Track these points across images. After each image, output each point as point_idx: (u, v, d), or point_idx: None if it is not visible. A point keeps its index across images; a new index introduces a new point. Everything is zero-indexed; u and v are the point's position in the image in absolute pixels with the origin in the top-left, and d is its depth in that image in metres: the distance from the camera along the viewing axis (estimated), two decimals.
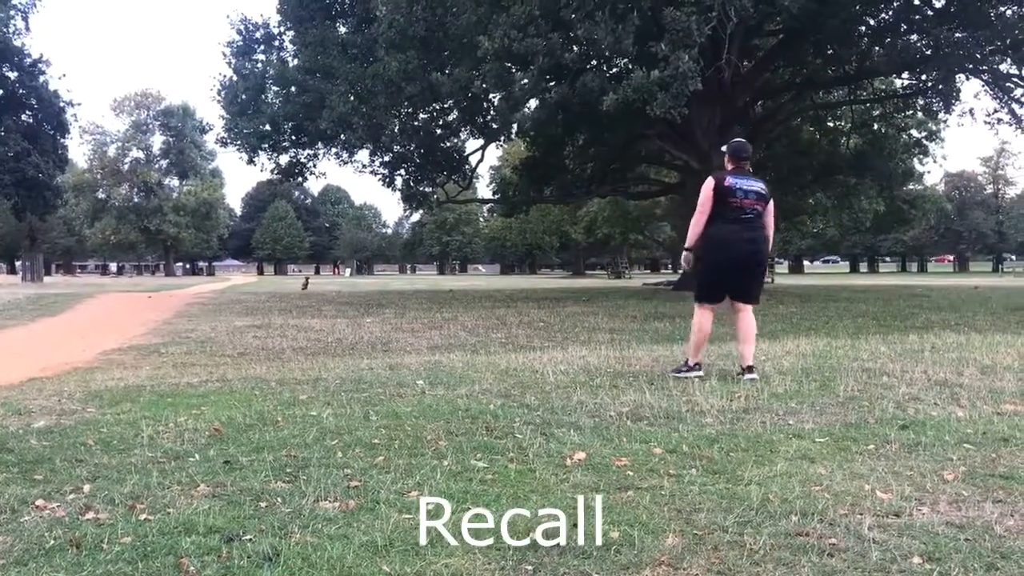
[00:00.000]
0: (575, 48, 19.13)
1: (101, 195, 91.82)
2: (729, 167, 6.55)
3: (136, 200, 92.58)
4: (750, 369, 6.34)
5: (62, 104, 42.11)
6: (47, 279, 60.14)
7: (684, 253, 6.75)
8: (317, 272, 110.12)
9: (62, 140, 43.88)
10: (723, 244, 6.38)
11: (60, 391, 6.75)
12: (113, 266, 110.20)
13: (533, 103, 21.55)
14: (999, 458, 3.90)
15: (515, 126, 24.41)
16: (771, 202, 6.51)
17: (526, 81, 18.72)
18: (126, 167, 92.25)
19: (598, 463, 3.92)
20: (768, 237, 6.56)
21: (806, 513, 3.13)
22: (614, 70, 20.65)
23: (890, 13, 24.26)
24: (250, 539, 2.93)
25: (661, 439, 4.36)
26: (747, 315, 6.51)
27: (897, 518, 3.10)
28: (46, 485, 3.69)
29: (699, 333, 6.54)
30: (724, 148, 6.72)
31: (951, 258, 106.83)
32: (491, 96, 22.63)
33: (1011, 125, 25.95)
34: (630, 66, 18.23)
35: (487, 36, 18.09)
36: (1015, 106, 25.28)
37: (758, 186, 6.46)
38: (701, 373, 6.43)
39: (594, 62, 20.41)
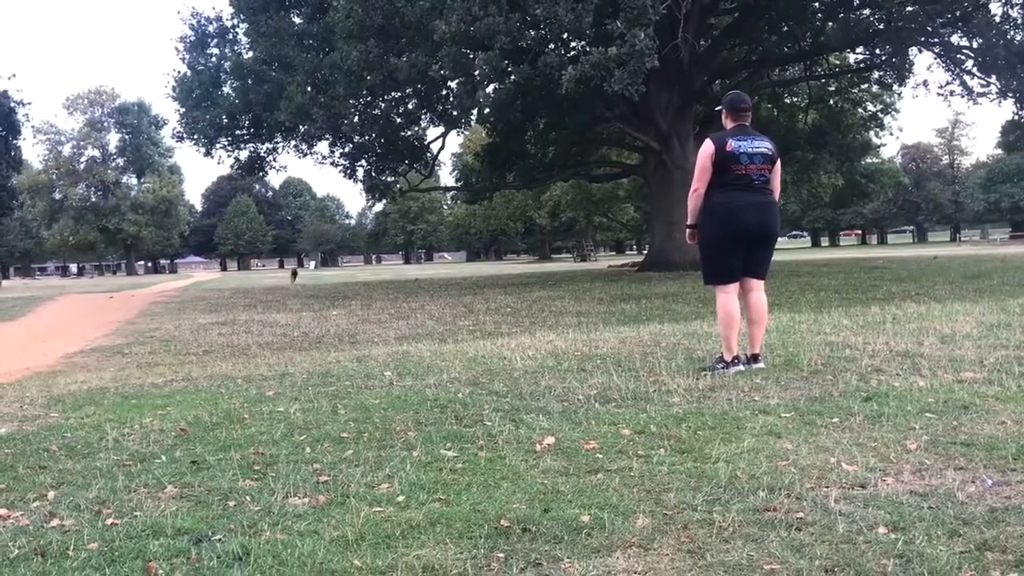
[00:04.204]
0: (532, 32, 19.11)
1: (58, 195, 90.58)
2: (728, 124, 5.82)
3: (94, 199, 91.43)
4: (755, 358, 5.74)
5: (12, 104, 41.37)
6: (5, 283, 59.21)
7: (688, 230, 5.94)
8: (281, 266, 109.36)
9: (14, 141, 43.18)
10: (730, 212, 5.60)
11: (22, 397, 6.64)
12: (73, 267, 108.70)
13: (492, 88, 21.48)
14: (960, 426, 3.97)
15: (475, 112, 24.33)
16: (778, 162, 5.80)
17: (485, 66, 18.66)
18: (82, 166, 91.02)
19: (567, 447, 3.93)
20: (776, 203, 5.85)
21: (773, 488, 3.16)
22: (572, 53, 20.67)
23: None
24: (219, 539, 2.90)
25: (629, 420, 4.38)
26: (759, 294, 5.81)
27: (863, 489, 3.14)
28: (9, 494, 3.63)
29: (727, 319, 5.70)
30: (720, 106, 6.03)
31: (858, 232, 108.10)
32: (449, 82, 22.53)
33: (963, 96, 26.38)
34: (587, 49, 18.27)
35: (443, 20, 18.01)
36: (966, 77, 25.66)
37: (764, 146, 5.68)
38: (741, 368, 5.63)
39: (552, 46, 20.41)
